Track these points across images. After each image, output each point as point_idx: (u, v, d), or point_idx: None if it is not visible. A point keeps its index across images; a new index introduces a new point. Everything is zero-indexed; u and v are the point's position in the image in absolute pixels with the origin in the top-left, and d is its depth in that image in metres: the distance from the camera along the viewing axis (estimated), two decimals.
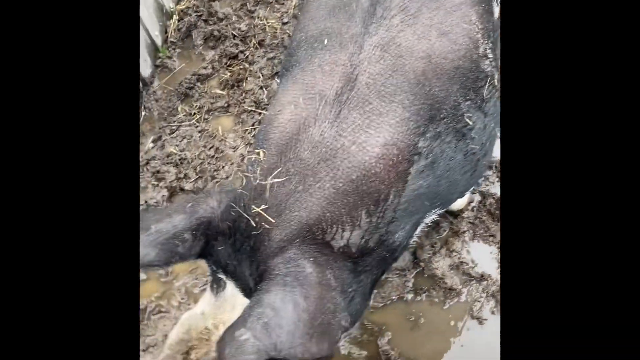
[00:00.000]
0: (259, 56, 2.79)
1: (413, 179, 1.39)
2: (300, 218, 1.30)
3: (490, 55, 1.58)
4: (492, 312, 2.08)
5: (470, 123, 1.48)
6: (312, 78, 1.44)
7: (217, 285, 1.41)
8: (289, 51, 1.66)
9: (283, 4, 2.96)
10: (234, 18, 2.95)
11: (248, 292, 1.34)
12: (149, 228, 1.32)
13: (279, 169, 1.33)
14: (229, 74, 2.75)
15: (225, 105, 2.66)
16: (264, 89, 2.68)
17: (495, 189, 2.28)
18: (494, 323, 2.07)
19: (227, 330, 1.16)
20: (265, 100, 2.64)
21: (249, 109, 2.63)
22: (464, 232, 2.23)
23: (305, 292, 1.22)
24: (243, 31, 2.89)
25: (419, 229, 1.62)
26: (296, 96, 1.44)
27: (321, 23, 1.56)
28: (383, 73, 1.39)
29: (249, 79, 2.73)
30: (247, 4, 3.00)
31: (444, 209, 1.73)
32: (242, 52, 2.82)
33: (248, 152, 1.48)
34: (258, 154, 1.41)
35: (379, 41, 1.42)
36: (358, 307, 1.44)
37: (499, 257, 2.18)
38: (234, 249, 1.34)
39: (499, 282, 2.13)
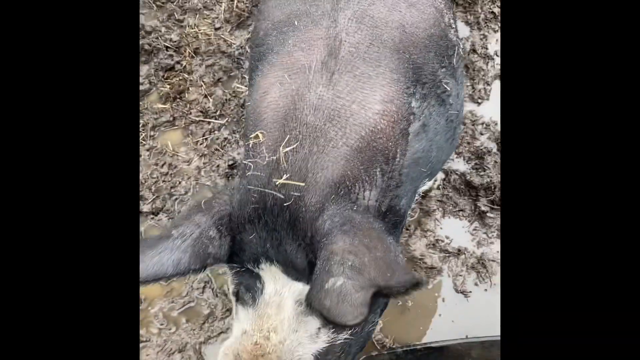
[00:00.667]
0: (196, 65, 2.70)
1: (411, 140, 1.41)
2: (325, 177, 1.26)
3: (453, 25, 1.64)
4: (476, 284, 2.13)
5: (449, 89, 1.52)
6: (291, 57, 1.42)
7: (251, 293, 1.30)
8: (256, 42, 1.62)
9: (212, 9, 2.88)
10: (163, 29, 2.83)
11: (296, 271, 1.26)
12: (169, 235, 1.22)
13: (287, 137, 1.28)
14: (168, 86, 2.63)
15: (171, 119, 2.55)
16: (209, 97, 2.59)
17: (457, 165, 2.33)
18: (479, 295, 2.11)
19: (311, 292, 1.08)
20: (212, 108, 2.56)
21: (197, 119, 2.54)
22: (434, 210, 2.26)
23: (366, 235, 1.17)
24: (175, 41, 2.78)
25: (414, 200, 1.64)
26: (279, 76, 1.40)
27: (287, 8, 1.55)
28: (363, 42, 1.40)
29: (190, 89, 2.63)
30: (175, 13, 2.90)
31: (432, 179, 1.76)
32: (178, 62, 2.72)
33: (245, 142, 1.40)
34: (256, 136, 1.33)
35: (352, 14, 1.43)
36: None
37: (472, 229, 2.23)
38: (267, 230, 1.26)
39: (476, 254, 2.18)
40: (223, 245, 1.27)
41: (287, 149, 1.27)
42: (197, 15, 2.86)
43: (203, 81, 2.65)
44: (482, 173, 2.26)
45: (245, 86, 2.60)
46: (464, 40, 2.53)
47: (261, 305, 1.27)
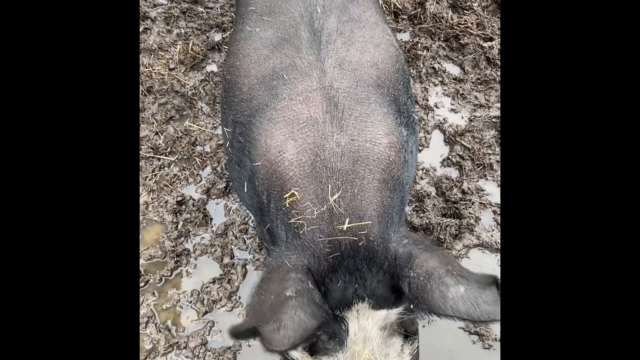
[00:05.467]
0: (149, 103, 2.75)
1: (406, 167, 1.56)
2: (376, 210, 1.40)
3: (404, 61, 1.83)
4: None
5: (416, 117, 1.69)
6: (292, 111, 1.52)
7: (337, 338, 1.33)
8: (240, 97, 1.69)
9: (167, 50, 2.97)
10: None
11: (383, 301, 1.33)
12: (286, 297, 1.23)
13: (329, 186, 1.39)
14: None
15: None
16: (160, 134, 2.64)
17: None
18: None
19: (435, 305, 1.21)
20: (163, 145, 2.60)
21: (147, 155, 2.57)
22: None
23: (432, 244, 1.40)
24: None
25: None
26: (287, 132, 1.50)
27: (268, 62, 1.64)
28: (351, 85, 1.55)
29: (142, 125, 2.67)
30: None
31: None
32: None
33: (282, 203, 1.47)
34: (292, 195, 1.42)
35: (334, 62, 1.58)
36: None
37: None
38: (350, 272, 1.33)
39: None
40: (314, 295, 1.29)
41: (335, 197, 1.38)
42: (152, 55, 2.94)
43: (155, 119, 2.70)
44: (421, 215, 2.39)
45: (198, 125, 2.66)
46: None
47: (349, 345, 1.32)
